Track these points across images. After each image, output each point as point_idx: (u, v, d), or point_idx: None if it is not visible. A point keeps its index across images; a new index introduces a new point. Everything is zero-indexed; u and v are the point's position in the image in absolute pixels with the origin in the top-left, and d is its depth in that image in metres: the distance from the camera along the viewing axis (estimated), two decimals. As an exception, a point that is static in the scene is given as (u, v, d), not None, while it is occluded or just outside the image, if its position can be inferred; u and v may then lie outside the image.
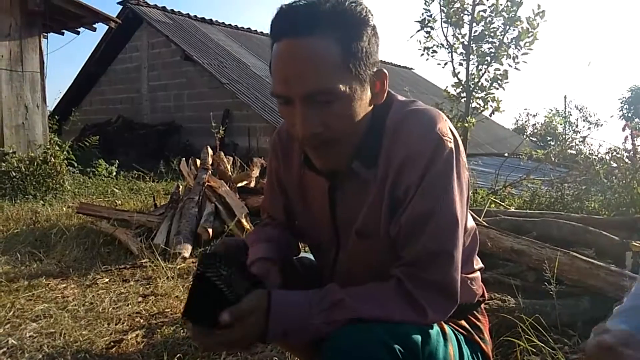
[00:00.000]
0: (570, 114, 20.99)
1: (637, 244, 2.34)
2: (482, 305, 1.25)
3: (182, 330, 2.22)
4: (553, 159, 5.85)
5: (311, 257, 1.37)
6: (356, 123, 0.98)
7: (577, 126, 18.97)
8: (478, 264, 1.22)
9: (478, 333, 1.17)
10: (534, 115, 20.49)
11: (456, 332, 1.10)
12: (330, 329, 0.94)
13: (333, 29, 0.92)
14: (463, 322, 1.15)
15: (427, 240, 0.97)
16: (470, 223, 1.16)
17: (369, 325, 0.92)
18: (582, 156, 5.35)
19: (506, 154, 7.01)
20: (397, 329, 0.92)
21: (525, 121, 20.62)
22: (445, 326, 1.05)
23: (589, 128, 19.98)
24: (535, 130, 18.86)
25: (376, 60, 0.99)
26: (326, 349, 0.92)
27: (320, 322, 0.95)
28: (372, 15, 0.97)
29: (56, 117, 8.76)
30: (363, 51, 0.95)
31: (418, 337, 0.93)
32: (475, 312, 1.20)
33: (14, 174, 5.84)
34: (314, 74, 0.91)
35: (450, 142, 0.99)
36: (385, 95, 1.05)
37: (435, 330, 0.99)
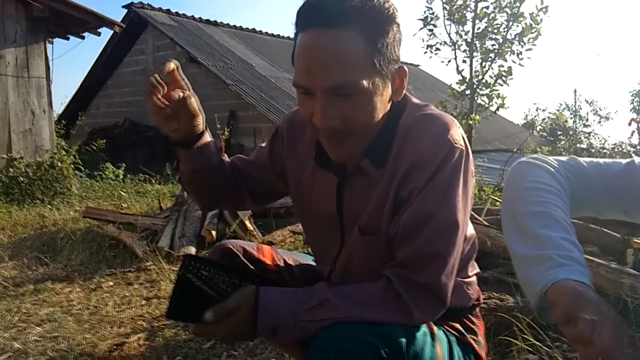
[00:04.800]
0: (580, 108, 20.81)
1: (639, 241, 2.32)
2: (478, 309, 1.25)
3: (183, 333, 2.24)
4: (564, 153, 5.81)
5: (307, 258, 1.38)
6: (375, 118, 0.98)
7: (587, 120, 18.81)
8: (474, 269, 1.22)
9: (472, 335, 1.17)
10: (544, 110, 20.31)
11: (447, 334, 1.10)
12: (316, 327, 0.95)
13: (361, 23, 0.91)
14: (456, 325, 1.15)
15: (422, 243, 0.97)
16: (471, 231, 1.16)
17: (354, 326, 0.92)
18: (592, 151, 5.32)
19: (515, 150, 6.97)
20: (382, 330, 0.92)
21: (535, 116, 20.47)
22: (435, 327, 1.05)
23: (599, 122, 19.82)
24: (545, 125, 18.73)
25: (398, 57, 0.99)
26: (312, 349, 0.93)
27: (306, 320, 0.96)
28: (398, 12, 0.97)
29: (63, 121, 8.85)
30: (387, 47, 0.94)
31: (403, 339, 0.93)
32: (470, 315, 1.20)
33: (22, 179, 5.90)
34: (338, 68, 0.91)
35: (461, 149, 0.99)
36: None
37: (422, 331, 0.99)
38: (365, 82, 0.92)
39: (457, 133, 1.00)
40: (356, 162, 1.05)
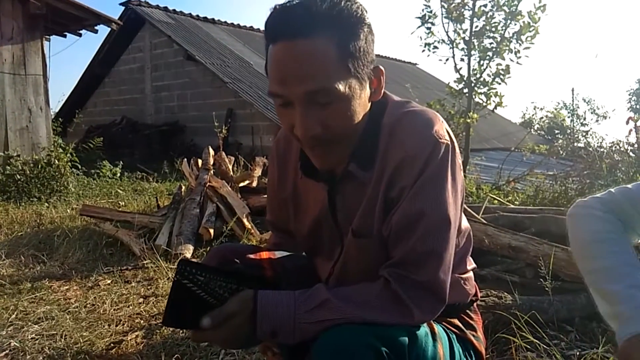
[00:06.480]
0: (578, 107, 20.86)
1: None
2: (476, 304, 1.25)
3: (180, 331, 2.23)
4: (561, 152, 5.81)
5: (304, 258, 1.38)
6: (356, 122, 0.98)
7: (584, 119, 18.88)
8: (471, 264, 1.22)
9: (471, 331, 1.17)
10: (541, 109, 20.34)
11: (447, 331, 1.10)
12: (317, 329, 0.94)
13: (330, 29, 0.91)
14: (455, 321, 1.15)
15: (416, 241, 0.97)
16: (465, 224, 1.16)
17: (356, 327, 0.92)
18: (589, 149, 5.32)
19: (513, 149, 6.98)
20: (384, 331, 0.92)
21: (533, 114, 20.50)
22: (435, 325, 1.05)
23: (597, 121, 19.88)
24: (542, 124, 18.77)
25: (373, 58, 0.98)
26: (313, 351, 0.92)
27: (306, 322, 0.95)
28: (367, 12, 0.97)
29: (60, 119, 8.82)
30: (360, 50, 0.94)
31: (405, 339, 0.93)
32: (468, 310, 1.20)
33: (19, 177, 5.87)
34: (312, 74, 0.90)
35: (446, 144, 0.98)
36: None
37: (423, 330, 0.99)
38: (341, 87, 0.92)
39: (442, 128, 1.00)
40: (343, 167, 1.04)
